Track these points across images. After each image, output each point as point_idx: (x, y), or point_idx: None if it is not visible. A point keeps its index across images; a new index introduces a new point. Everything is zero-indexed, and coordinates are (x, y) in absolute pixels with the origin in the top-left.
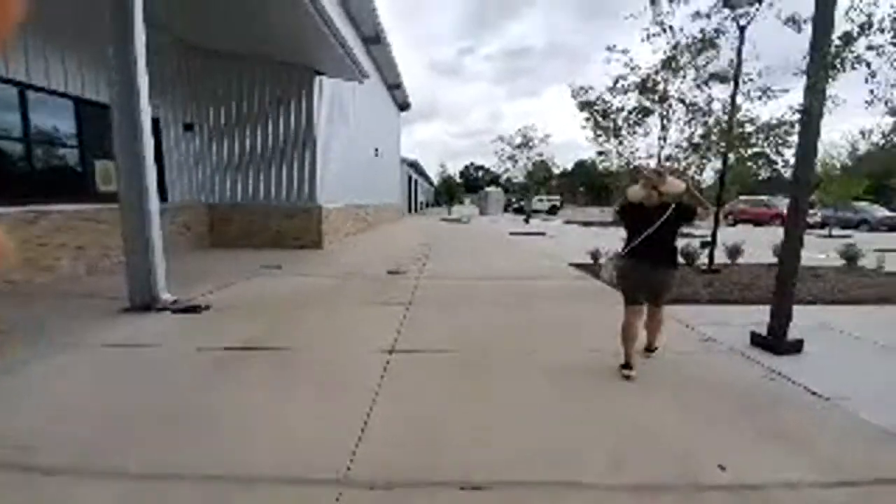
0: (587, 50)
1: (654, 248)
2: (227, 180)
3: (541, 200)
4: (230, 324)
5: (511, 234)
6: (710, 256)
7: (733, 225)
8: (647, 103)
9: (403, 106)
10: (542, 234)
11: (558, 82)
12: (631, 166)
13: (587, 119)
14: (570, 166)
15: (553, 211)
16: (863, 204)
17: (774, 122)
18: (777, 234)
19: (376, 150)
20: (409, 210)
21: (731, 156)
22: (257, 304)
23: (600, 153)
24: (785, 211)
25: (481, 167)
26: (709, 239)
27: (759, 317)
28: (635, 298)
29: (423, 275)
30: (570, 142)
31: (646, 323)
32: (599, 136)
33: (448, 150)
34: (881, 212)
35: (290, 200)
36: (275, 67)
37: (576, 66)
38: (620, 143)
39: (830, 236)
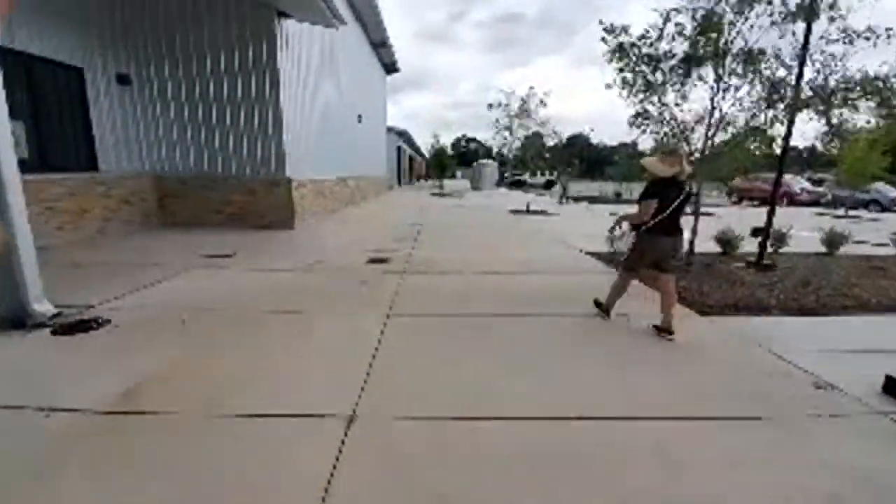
0: (578, 21)
1: (677, 222)
2: (177, 146)
3: (534, 175)
4: (123, 356)
5: (510, 211)
6: (762, 246)
7: (738, 202)
8: (703, 50)
9: (390, 68)
10: (544, 212)
11: (549, 53)
12: (676, 132)
13: (621, 70)
14: (562, 139)
15: (549, 185)
16: (878, 184)
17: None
18: (791, 214)
19: (359, 116)
20: (399, 183)
21: (822, 119)
22: (178, 318)
23: (639, 116)
24: (795, 189)
25: (473, 139)
26: (759, 225)
27: (863, 336)
28: (636, 268)
29: (409, 266)
30: (562, 115)
31: (663, 292)
32: (640, 92)
33: (439, 122)
34: (893, 192)
35: (253, 171)
36: (229, 6)
37: (567, 38)
38: (661, 101)
39: (848, 217)
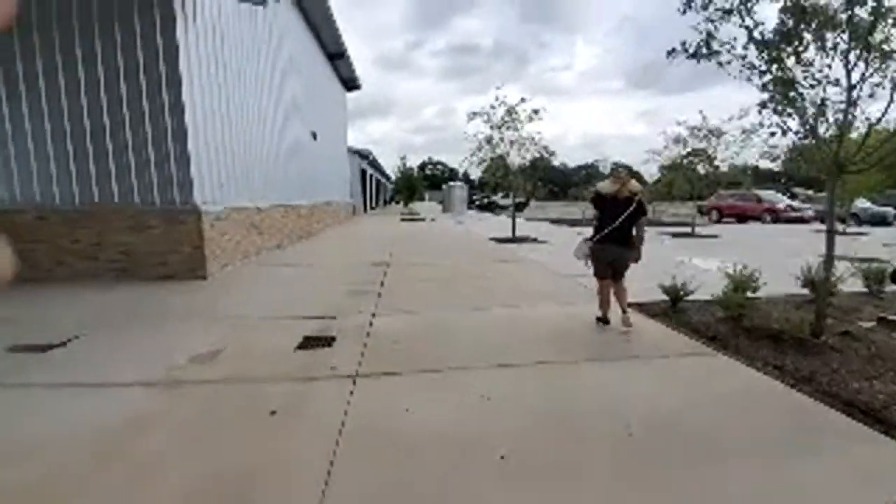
0: (530, 50)
1: (621, 234)
2: (33, 168)
3: (505, 196)
4: None
5: (492, 239)
6: None
7: (718, 221)
8: None
9: (350, 84)
10: (534, 239)
11: (505, 82)
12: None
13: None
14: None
15: (520, 207)
16: (859, 200)
17: None
18: (791, 231)
19: (314, 133)
20: (365, 208)
21: None
22: None
23: (775, 98)
24: (779, 206)
25: (439, 162)
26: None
27: None
28: (604, 274)
29: (368, 354)
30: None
31: (615, 294)
32: (774, 47)
33: (405, 146)
34: (874, 207)
35: (144, 199)
36: None
37: (521, 66)
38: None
39: (845, 234)
